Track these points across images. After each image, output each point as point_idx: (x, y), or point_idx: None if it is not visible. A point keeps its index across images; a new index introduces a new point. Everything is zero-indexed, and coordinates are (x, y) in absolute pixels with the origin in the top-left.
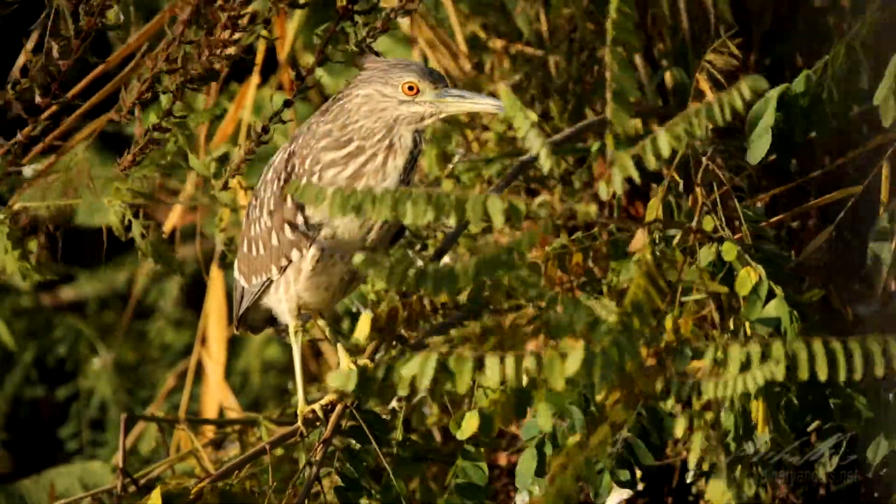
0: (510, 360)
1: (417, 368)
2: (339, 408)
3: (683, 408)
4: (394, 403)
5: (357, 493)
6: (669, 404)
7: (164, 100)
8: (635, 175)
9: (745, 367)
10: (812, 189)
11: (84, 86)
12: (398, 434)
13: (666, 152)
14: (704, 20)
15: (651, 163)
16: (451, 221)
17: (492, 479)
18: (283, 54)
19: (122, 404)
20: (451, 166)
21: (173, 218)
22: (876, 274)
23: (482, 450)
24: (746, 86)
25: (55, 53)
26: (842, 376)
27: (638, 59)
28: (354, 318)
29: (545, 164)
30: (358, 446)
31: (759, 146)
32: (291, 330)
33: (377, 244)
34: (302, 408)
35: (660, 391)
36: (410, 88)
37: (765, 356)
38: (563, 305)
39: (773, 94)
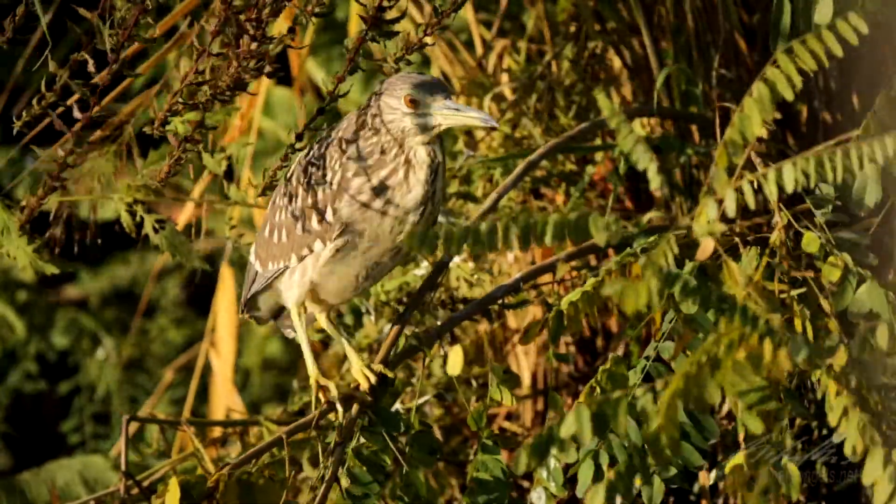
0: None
1: (575, 425)
2: (354, 408)
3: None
4: (398, 405)
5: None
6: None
7: (193, 115)
8: (751, 202)
9: None
10: None
11: (114, 96)
12: (414, 427)
13: (789, 187)
14: (709, 20)
15: (773, 195)
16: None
17: None
18: (296, 61)
19: (124, 397)
20: (458, 165)
21: (185, 214)
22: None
23: (500, 445)
24: None
25: (91, 68)
26: None
27: (651, 57)
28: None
29: (653, 181)
30: (374, 447)
31: (871, 193)
32: (294, 312)
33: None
34: (315, 376)
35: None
36: (412, 101)
37: None
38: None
39: None
